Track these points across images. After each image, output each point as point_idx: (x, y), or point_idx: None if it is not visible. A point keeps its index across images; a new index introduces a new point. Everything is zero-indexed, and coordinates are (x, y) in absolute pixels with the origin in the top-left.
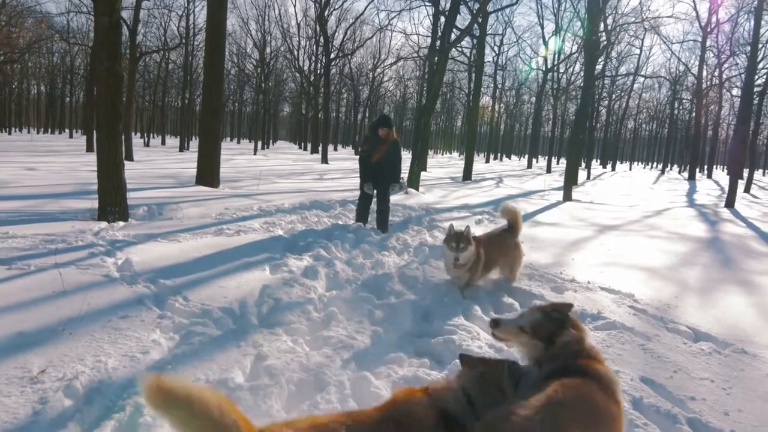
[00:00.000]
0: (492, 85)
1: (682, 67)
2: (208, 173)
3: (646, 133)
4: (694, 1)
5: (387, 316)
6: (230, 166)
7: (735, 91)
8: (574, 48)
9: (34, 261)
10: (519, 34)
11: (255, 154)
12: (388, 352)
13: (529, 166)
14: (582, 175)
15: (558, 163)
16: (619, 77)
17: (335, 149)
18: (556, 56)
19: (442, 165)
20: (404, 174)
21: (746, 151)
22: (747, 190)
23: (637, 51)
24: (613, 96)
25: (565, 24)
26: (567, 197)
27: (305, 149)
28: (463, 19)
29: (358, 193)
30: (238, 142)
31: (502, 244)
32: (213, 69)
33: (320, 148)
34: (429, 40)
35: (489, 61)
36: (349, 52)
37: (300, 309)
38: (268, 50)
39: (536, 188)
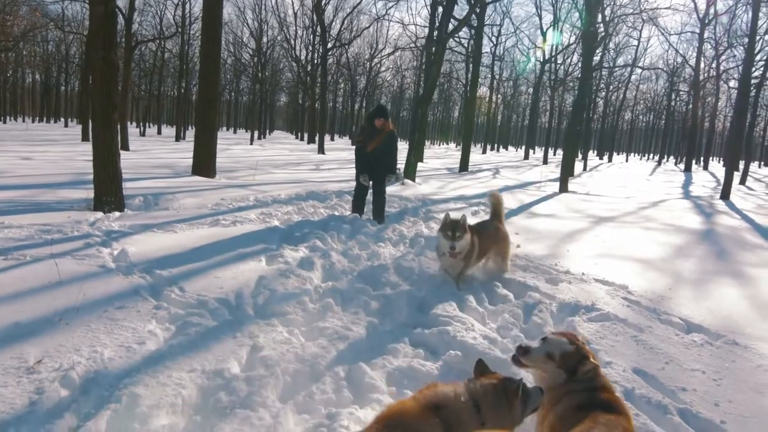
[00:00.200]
0: (489, 76)
1: (679, 59)
2: (204, 163)
3: (643, 124)
4: None
5: (382, 307)
6: (226, 156)
7: (732, 83)
8: (572, 39)
9: (29, 251)
10: (517, 25)
11: (251, 144)
12: (384, 342)
13: (526, 157)
14: (578, 166)
15: (555, 155)
16: (616, 68)
17: (332, 139)
18: (554, 47)
19: (439, 156)
20: (400, 165)
21: (742, 143)
22: (743, 182)
23: (635, 42)
24: (611, 87)
25: (563, 15)
26: (563, 189)
27: (302, 139)
28: (460, 9)
29: (354, 183)
30: (235, 132)
31: (492, 233)
32: (209, 58)
33: (317, 139)
34: (426, 30)
35: (486, 52)
36: (346, 41)
37: (296, 300)
38: (264, 39)
39: (533, 179)
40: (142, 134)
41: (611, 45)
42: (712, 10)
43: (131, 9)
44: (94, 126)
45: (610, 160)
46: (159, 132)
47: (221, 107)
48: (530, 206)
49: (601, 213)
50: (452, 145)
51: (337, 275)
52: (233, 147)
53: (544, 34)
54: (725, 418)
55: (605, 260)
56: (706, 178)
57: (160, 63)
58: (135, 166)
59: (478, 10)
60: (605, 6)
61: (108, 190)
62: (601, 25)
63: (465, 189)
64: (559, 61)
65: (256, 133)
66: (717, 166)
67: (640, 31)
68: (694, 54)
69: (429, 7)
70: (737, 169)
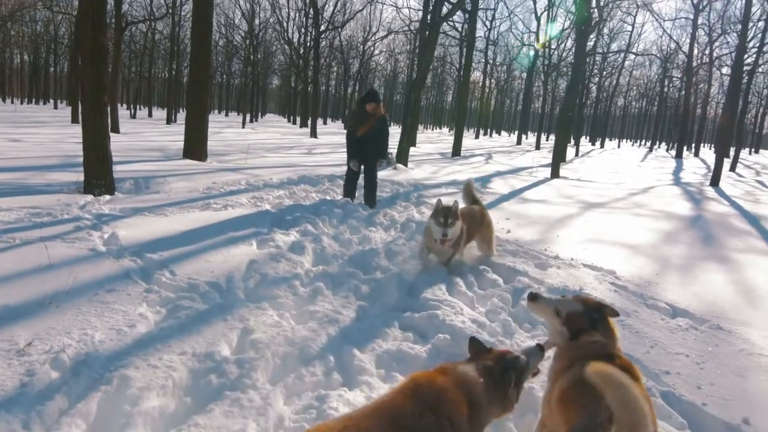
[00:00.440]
0: (483, 61)
1: (673, 45)
2: (195, 146)
3: (635, 110)
4: None
5: (373, 291)
6: (218, 140)
7: (725, 70)
8: (567, 24)
9: (19, 234)
10: (511, 9)
11: (243, 127)
12: (373, 326)
13: (519, 142)
14: (571, 152)
15: (547, 140)
16: (610, 54)
17: (324, 123)
18: (548, 32)
19: (432, 140)
20: (393, 149)
21: (733, 130)
22: (733, 168)
23: (629, 28)
24: (604, 73)
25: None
26: (555, 174)
27: (294, 123)
28: None
29: (346, 168)
30: (227, 115)
31: (477, 219)
32: (200, 40)
33: (309, 122)
34: (420, 13)
35: (480, 36)
36: (339, 24)
37: (286, 284)
38: (256, 21)
39: (525, 165)
40: (133, 117)
41: (605, 30)
42: None
43: None
44: (84, 108)
45: (602, 146)
46: (150, 114)
47: (213, 90)
48: (521, 192)
49: (591, 199)
50: (445, 129)
51: (327, 259)
52: (225, 130)
53: (538, 19)
54: (707, 400)
55: (594, 246)
56: (697, 164)
57: (151, 44)
58: (125, 149)
59: None
60: None
61: (98, 174)
62: (596, 9)
63: (457, 174)
64: (553, 47)
65: (248, 117)
66: (708, 153)
67: (635, 16)
68: (688, 40)
69: None
70: (728, 156)
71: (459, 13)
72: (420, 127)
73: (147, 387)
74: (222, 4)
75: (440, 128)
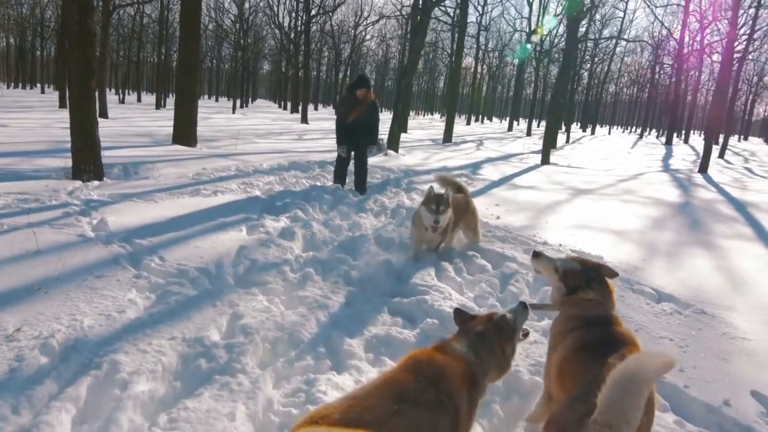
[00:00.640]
0: (475, 47)
1: (664, 32)
2: (184, 132)
3: (626, 97)
4: None
5: (362, 277)
6: (208, 125)
7: (715, 57)
8: (559, 9)
9: (6, 220)
10: None
11: (233, 112)
12: (363, 311)
13: (510, 128)
14: (561, 138)
15: (539, 126)
16: (602, 40)
17: (315, 109)
18: (540, 17)
19: (423, 126)
20: (384, 136)
21: (723, 117)
22: (721, 155)
23: (621, 14)
24: (596, 59)
25: None
26: (545, 161)
27: (285, 108)
28: None
29: (336, 154)
30: (217, 100)
31: (462, 207)
32: (189, 24)
33: (300, 108)
34: None
35: (472, 22)
36: (329, 8)
37: (276, 269)
38: (246, 5)
39: (516, 151)
40: (122, 101)
41: (597, 16)
42: None
43: None
44: (71, 93)
45: (593, 132)
46: (139, 99)
47: (202, 75)
48: (512, 178)
49: (581, 185)
50: (437, 115)
51: (317, 245)
52: (215, 116)
53: (530, 4)
54: (689, 382)
55: (583, 232)
56: (686, 151)
57: (139, 28)
58: (114, 134)
59: None
60: None
61: (86, 159)
62: None
63: (448, 160)
64: (544, 32)
65: (238, 102)
66: (698, 140)
67: (626, 2)
68: (679, 27)
69: None
70: (717, 143)
71: None
72: (411, 113)
73: (137, 372)
74: None
75: (432, 114)
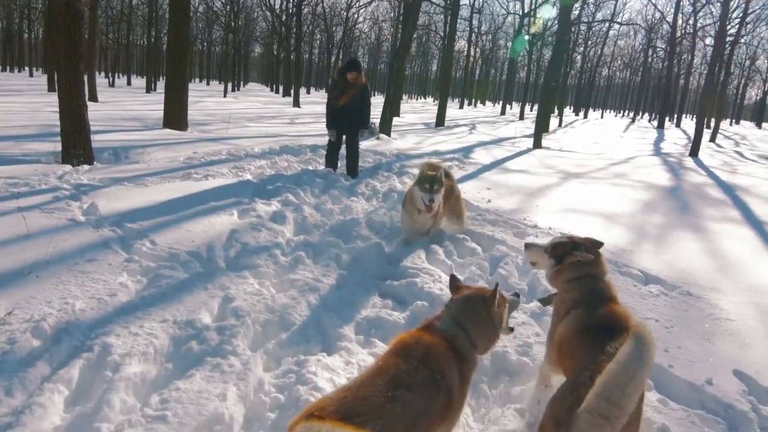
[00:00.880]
0: (468, 29)
1: (657, 15)
2: (175, 116)
3: (619, 81)
4: None
5: (353, 260)
6: (199, 109)
7: (708, 40)
8: None
9: None
10: None
11: (225, 96)
12: (353, 293)
13: (503, 112)
14: (554, 122)
15: (532, 110)
16: (595, 23)
17: (308, 92)
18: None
19: (416, 110)
20: (376, 119)
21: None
22: (713, 139)
23: None
24: (589, 42)
25: None
26: (537, 145)
27: (277, 92)
28: None
29: (328, 138)
30: (208, 84)
31: (447, 191)
32: (178, 6)
33: (292, 91)
34: None
35: (465, 4)
36: None
37: (267, 253)
38: None
39: (508, 135)
40: (112, 85)
41: None
42: None
43: None
44: (59, 77)
45: (585, 116)
46: (129, 83)
47: (193, 58)
48: (503, 162)
49: (572, 169)
50: (430, 99)
51: (309, 229)
52: (206, 99)
53: None
54: (673, 362)
55: (573, 215)
56: (678, 135)
57: (128, 10)
58: (104, 118)
59: None
60: None
61: (76, 143)
62: None
63: (440, 144)
64: (538, 15)
65: (229, 85)
66: (690, 124)
67: None
68: (672, 10)
69: None
70: (708, 127)
71: None
72: (405, 97)
73: (128, 354)
74: None
75: (425, 98)
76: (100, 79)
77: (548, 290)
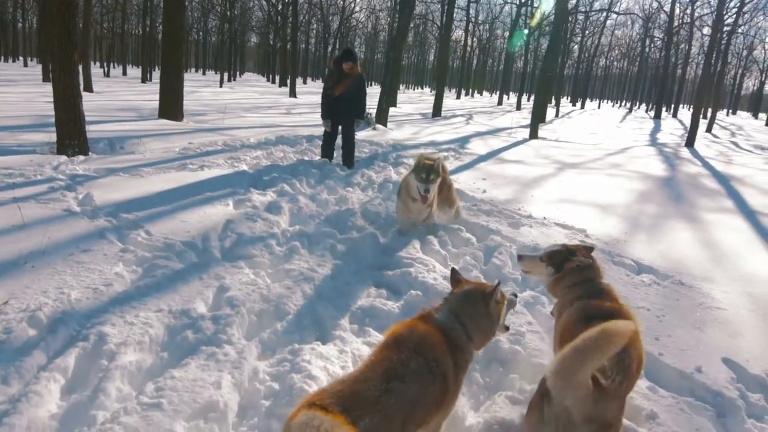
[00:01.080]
0: (465, 19)
1: (655, 4)
2: (171, 106)
3: (617, 71)
4: None
5: (348, 250)
6: (194, 99)
7: (705, 30)
8: None
9: None
10: None
11: (221, 86)
12: (348, 283)
13: (500, 102)
14: (551, 112)
15: (528, 100)
16: (592, 13)
17: (304, 82)
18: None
19: (413, 100)
20: (372, 110)
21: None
22: (709, 129)
23: None
24: (586, 32)
25: None
26: (533, 135)
27: (273, 82)
28: None
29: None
30: (204, 74)
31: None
32: None
33: (288, 81)
34: None
35: None
36: None
37: (262, 243)
38: None
39: (505, 126)
40: (107, 75)
41: None
42: None
43: None
44: (54, 67)
45: (582, 106)
46: (124, 73)
47: (189, 47)
48: (499, 152)
49: (568, 159)
50: (427, 89)
51: (304, 219)
52: (201, 89)
53: None
54: (663, 350)
55: (567, 205)
56: (675, 125)
57: None
58: (99, 108)
59: None
60: None
61: (71, 134)
62: None
63: (437, 135)
64: (535, 4)
65: (225, 76)
66: (687, 114)
67: None
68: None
69: None
70: (705, 117)
71: None
72: (402, 87)
73: (124, 343)
74: None
75: (422, 88)
76: (95, 69)
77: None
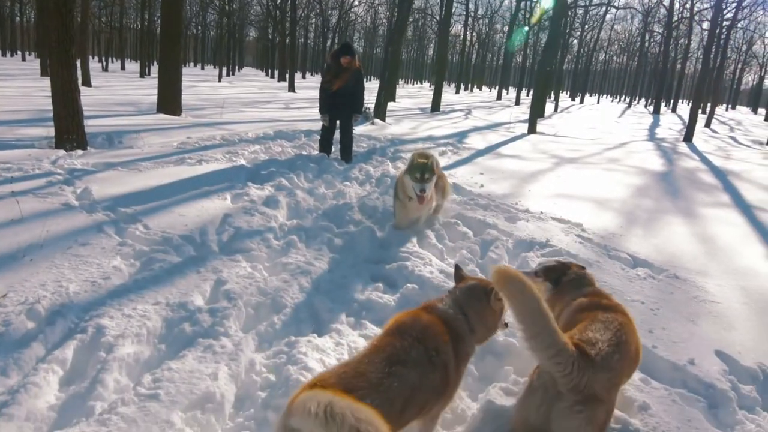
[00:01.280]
0: (464, 13)
1: None
2: (169, 101)
3: (616, 65)
4: None
5: (345, 244)
6: (193, 94)
7: (705, 25)
8: None
9: None
10: None
11: (219, 81)
12: (345, 277)
13: (499, 97)
14: (550, 107)
15: (528, 95)
16: (591, 7)
17: (303, 77)
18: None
19: (412, 95)
20: (370, 104)
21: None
22: (708, 124)
23: None
24: (586, 27)
25: None
26: (532, 130)
27: (272, 77)
28: None
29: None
30: (203, 68)
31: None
32: None
33: (287, 76)
34: None
35: None
36: None
37: (260, 237)
38: None
39: (503, 120)
40: (105, 69)
41: None
42: None
43: None
44: (51, 61)
45: (582, 101)
46: (122, 67)
47: (187, 42)
48: (497, 147)
49: (566, 154)
50: (426, 84)
51: (302, 213)
52: (200, 84)
53: None
54: (657, 343)
55: (564, 200)
56: (674, 120)
57: None
58: (98, 103)
59: None
60: None
61: (69, 128)
62: None
63: (435, 130)
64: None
65: (224, 70)
66: (686, 109)
67: None
68: None
69: None
70: (704, 112)
71: None
72: (401, 82)
73: (122, 335)
74: None
75: (421, 83)
76: (94, 64)
77: None
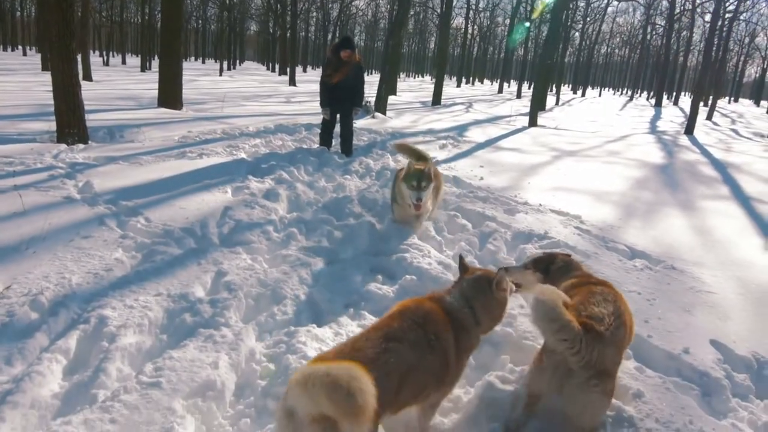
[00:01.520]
0: (465, 6)
1: None
2: (170, 95)
3: (618, 58)
4: None
5: (345, 237)
6: (193, 88)
7: (707, 17)
8: None
9: None
10: None
11: (220, 75)
12: (344, 268)
13: (500, 91)
14: (551, 100)
15: (529, 89)
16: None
17: (304, 71)
18: None
19: (413, 89)
20: (371, 98)
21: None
22: (709, 117)
23: None
24: (587, 19)
25: None
26: (533, 123)
27: (273, 71)
28: None
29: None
30: (203, 63)
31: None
32: None
33: (288, 70)
34: None
35: None
36: None
37: (260, 229)
38: None
39: (504, 114)
40: (106, 64)
41: None
42: None
43: None
44: (52, 56)
45: (583, 94)
46: (123, 62)
47: (188, 36)
48: (498, 140)
49: (566, 147)
50: (428, 78)
51: (302, 206)
52: (201, 78)
53: None
54: (652, 332)
55: (563, 192)
56: (675, 113)
57: None
58: (99, 97)
59: None
60: None
61: (70, 122)
62: None
63: (436, 123)
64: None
65: (225, 64)
66: (688, 102)
67: None
68: None
69: None
70: (706, 104)
71: None
72: (402, 75)
73: (124, 325)
74: None
75: (422, 76)
76: (95, 58)
77: None
